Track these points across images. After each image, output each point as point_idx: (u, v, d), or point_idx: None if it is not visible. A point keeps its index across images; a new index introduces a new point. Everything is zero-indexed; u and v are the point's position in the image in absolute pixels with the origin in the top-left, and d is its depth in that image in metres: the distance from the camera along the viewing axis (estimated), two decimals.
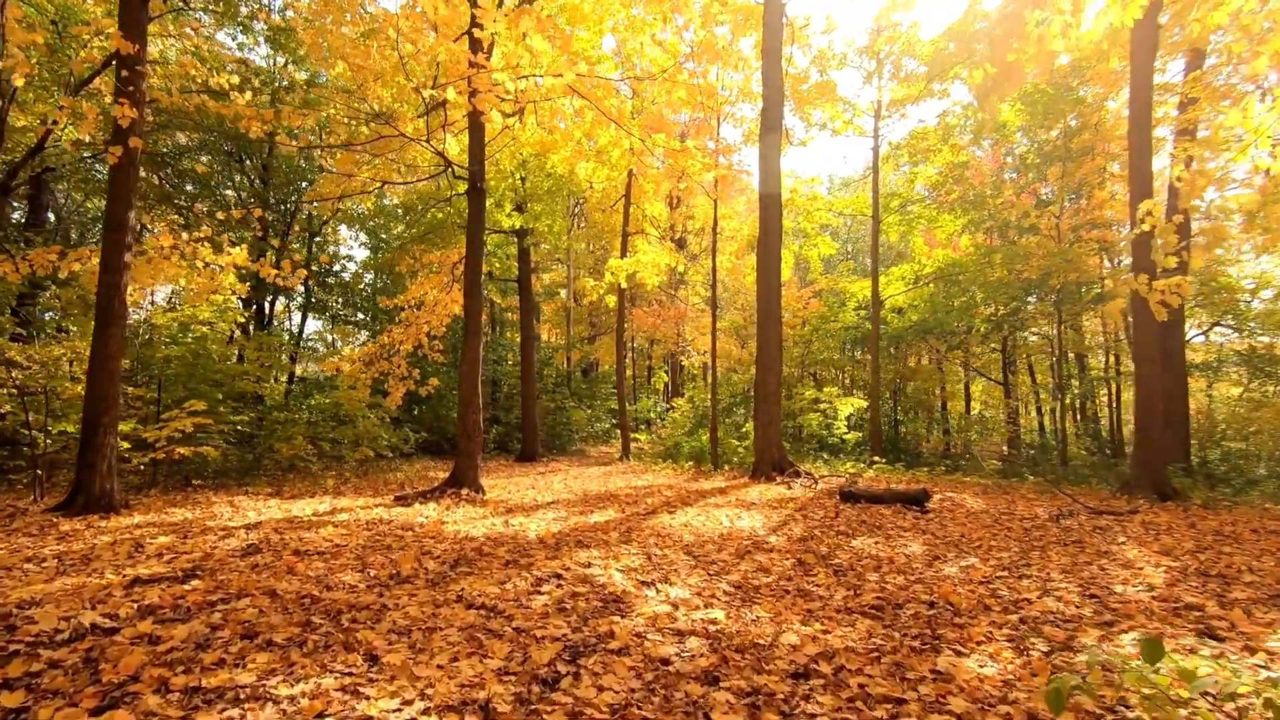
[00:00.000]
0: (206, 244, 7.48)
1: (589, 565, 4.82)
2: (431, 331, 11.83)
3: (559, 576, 4.51)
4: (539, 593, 4.16)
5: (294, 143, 7.82)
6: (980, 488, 10.06)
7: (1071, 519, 6.81)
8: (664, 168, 10.86)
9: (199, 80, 7.95)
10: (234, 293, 11.48)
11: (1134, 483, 8.69)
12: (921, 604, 4.05)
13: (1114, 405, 22.86)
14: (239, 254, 7.74)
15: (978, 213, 14.87)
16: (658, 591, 4.27)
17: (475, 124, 8.79)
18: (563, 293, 25.31)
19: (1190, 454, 13.77)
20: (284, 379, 18.00)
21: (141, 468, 8.86)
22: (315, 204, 12.63)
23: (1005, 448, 18.25)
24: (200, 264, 7.54)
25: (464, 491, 8.50)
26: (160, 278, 7.07)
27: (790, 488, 9.65)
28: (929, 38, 13.83)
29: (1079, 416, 21.85)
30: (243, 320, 11.74)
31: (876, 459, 12.72)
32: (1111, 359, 23.32)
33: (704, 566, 4.95)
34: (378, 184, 11.35)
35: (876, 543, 5.83)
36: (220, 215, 7.43)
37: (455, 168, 8.63)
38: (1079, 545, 5.72)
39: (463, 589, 4.15)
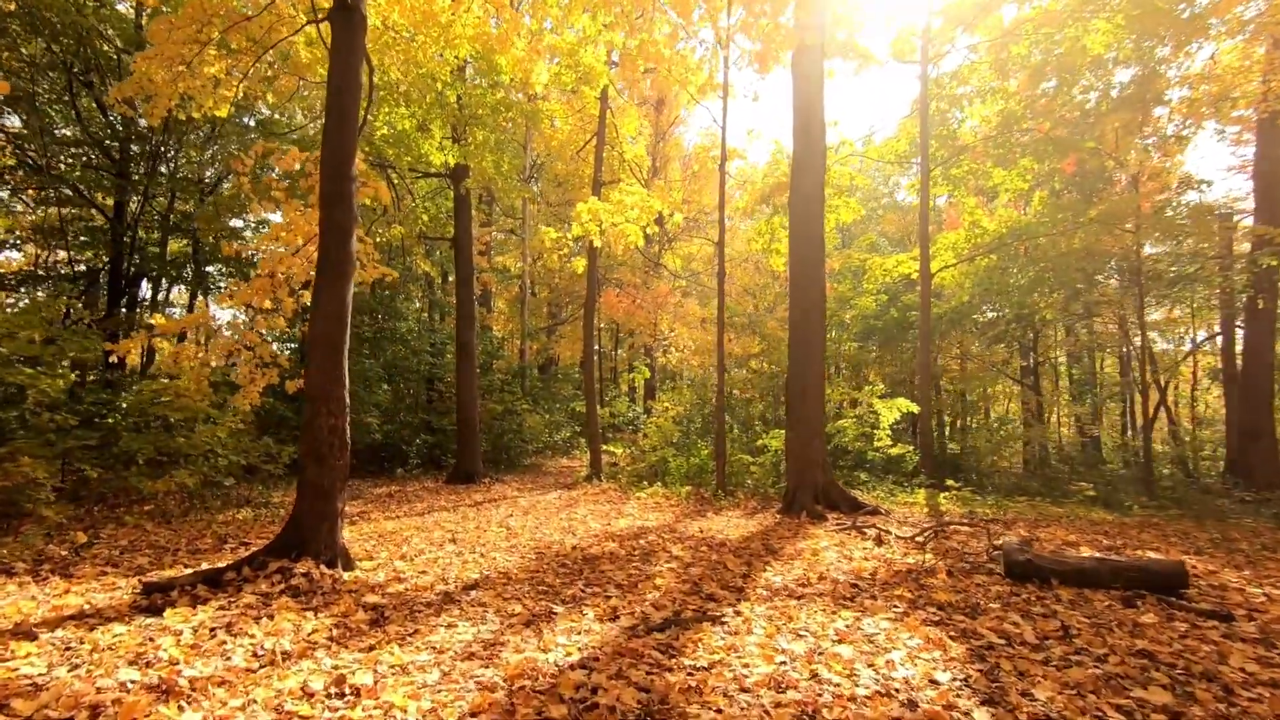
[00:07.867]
0: None
1: None
2: (301, 280, 7.38)
3: None
4: None
5: None
6: (1155, 532, 6.52)
7: None
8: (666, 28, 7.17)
9: None
10: None
11: None
12: None
13: (1129, 417, 20.31)
14: None
15: (1057, 160, 11.57)
16: None
17: None
18: (516, 272, 21.07)
19: None
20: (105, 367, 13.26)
21: None
22: (135, 105, 8.23)
23: (1048, 462, 15.13)
24: None
25: (300, 567, 4.40)
26: None
27: (881, 541, 5.88)
28: None
29: (1104, 428, 19.29)
30: None
31: (951, 483, 9.15)
32: (1113, 363, 20.92)
33: None
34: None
35: None
36: None
37: None
38: None
39: None
